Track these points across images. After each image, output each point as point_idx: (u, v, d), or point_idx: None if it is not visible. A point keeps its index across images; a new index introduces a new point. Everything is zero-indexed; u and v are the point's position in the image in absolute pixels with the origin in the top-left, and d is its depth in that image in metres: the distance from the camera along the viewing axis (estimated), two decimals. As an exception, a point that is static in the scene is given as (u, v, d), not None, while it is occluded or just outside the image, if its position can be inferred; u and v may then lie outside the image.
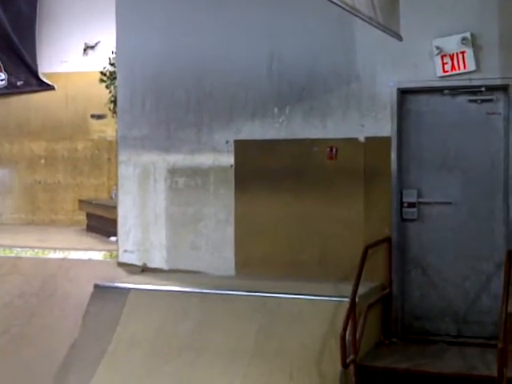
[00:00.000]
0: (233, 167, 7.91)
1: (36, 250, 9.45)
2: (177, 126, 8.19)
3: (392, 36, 6.45)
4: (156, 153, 8.21)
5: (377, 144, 7.42)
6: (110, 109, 11.47)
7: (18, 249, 9.53)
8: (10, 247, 9.61)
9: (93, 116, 12.87)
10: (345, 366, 6.13)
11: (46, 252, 9.38)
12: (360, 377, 6.37)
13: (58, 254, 9.27)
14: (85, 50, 12.84)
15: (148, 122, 8.28)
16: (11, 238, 10.80)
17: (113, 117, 11.00)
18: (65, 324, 7.76)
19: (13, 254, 9.43)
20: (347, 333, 6.09)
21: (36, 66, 13.07)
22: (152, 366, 6.89)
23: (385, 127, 7.38)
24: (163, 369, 6.84)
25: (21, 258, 9.30)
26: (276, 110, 7.82)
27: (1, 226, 11.76)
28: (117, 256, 8.69)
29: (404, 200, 7.39)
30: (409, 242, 7.41)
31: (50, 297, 8.38)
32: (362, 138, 7.50)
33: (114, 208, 9.03)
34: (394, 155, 7.35)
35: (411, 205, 7.37)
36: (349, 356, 6.16)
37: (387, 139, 7.37)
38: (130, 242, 8.54)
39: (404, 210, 7.39)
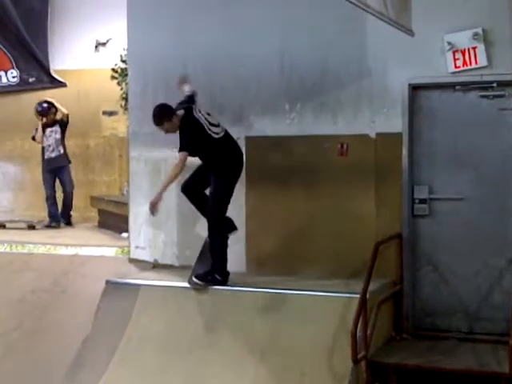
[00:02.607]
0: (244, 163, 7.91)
1: (48, 247, 9.50)
2: (188, 123, 8.19)
3: (403, 32, 6.43)
4: (167, 149, 8.21)
5: (388, 140, 7.41)
6: (121, 105, 11.52)
7: (30, 245, 9.58)
8: (22, 243, 9.66)
9: (104, 113, 12.92)
10: (356, 361, 6.13)
11: (57, 248, 9.43)
12: (371, 373, 6.37)
13: (70, 251, 9.32)
14: (96, 46, 12.88)
15: (159, 119, 8.30)
16: (23, 234, 10.87)
17: (124, 113, 11.04)
18: (77, 320, 7.79)
19: (25, 250, 9.48)
20: (358, 329, 6.09)
21: (48, 62, 13.12)
22: (163, 362, 6.91)
23: (396, 123, 7.36)
24: (174, 365, 6.87)
25: (33, 254, 9.35)
26: (287, 106, 7.82)
27: (13, 223, 11.79)
28: (128, 252, 8.73)
29: (415, 196, 7.38)
30: (420, 238, 7.39)
31: (62, 293, 8.42)
32: (372, 134, 7.48)
33: (126, 204, 9.07)
34: (405, 151, 7.33)
35: (422, 201, 7.35)
36: (360, 352, 6.16)
37: (398, 135, 7.35)
38: (141, 239, 8.57)
39: (415, 206, 7.38)
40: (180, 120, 7.13)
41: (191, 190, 7.33)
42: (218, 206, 7.16)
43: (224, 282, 7.21)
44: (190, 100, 7.32)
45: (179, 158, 6.95)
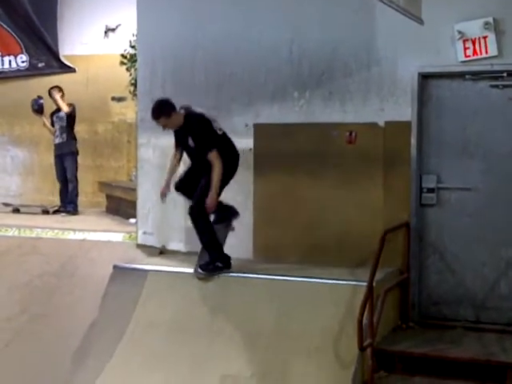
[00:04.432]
0: (252, 151, 7.91)
1: (56, 231, 9.54)
2: (196, 109, 8.20)
3: (413, 20, 6.41)
4: (175, 136, 8.22)
5: (397, 129, 7.39)
6: (130, 91, 11.52)
7: (38, 229, 9.62)
8: (31, 228, 9.70)
9: (113, 98, 12.92)
10: (362, 349, 6.14)
11: (65, 233, 9.47)
12: (377, 360, 6.38)
13: (78, 235, 9.35)
14: (106, 32, 12.88)
15: (168, 105, 8.31)
16: (31, 218, 10.91)
17: (133, 99, 11.05)
18: (84, 304, 7.83)
19: (33, 235, 9.52)
20: (364, 317, 6.10)
21: (57, 47, 13.13)
22: (170, 347, 6.94)
23: (405, 112, 7.35)
24: (181, 350, 6.90)
25: (41, 238, 9.39)
26: (296, 93, 7.81)
27: (27, 208, 11.84)
28: (136, 238, 8.75)
29: (423, 185, 7.37)
30: (427, 228, 7.39)
31: (70, 277, 8.46)
32: (381, 123, 7.47)
33: (134, 190, 9.09)
34: (413, 140, 7.32)
35: (430, 190, 7.34)
36: (366, 340, 6.17)
37: (407, 124, 7.33)
38: (149, 224, 8.60)
39: (423, 195, 7.37)
40: (185, 118, 7.10)
41: (185, 186, 7.34)
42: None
43: (227, 267, 7.25)
44: None
45: (214, 158, 6.91)
